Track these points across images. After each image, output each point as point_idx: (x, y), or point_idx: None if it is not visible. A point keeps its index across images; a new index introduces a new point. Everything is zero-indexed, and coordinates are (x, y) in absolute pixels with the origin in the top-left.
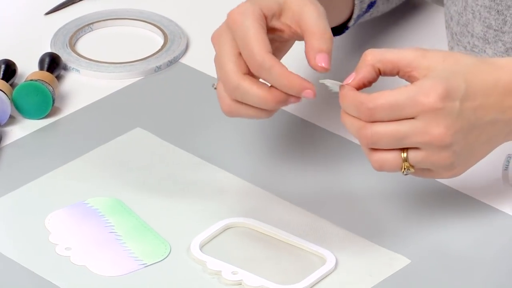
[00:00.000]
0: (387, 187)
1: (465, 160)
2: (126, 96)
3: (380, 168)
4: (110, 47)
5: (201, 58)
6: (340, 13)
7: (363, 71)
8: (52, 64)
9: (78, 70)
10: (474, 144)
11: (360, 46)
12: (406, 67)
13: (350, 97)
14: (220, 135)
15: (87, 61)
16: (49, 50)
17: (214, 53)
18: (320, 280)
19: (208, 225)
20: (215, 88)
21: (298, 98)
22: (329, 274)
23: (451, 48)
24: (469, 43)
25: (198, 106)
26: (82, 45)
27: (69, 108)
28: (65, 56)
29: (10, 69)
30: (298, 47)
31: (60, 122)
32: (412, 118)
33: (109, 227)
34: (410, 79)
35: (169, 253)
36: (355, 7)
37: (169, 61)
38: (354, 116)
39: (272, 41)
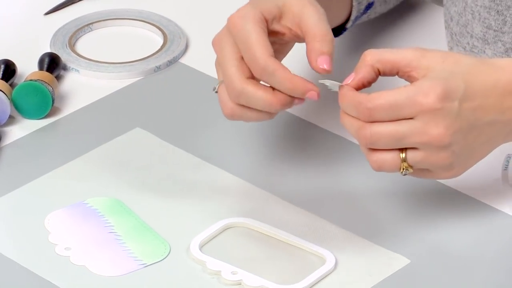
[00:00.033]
0: (386, 187)
1: (464, 160)
2: (125, 96)
3: (379, 168)
4: (109, 47)
5: (201, 58)
6: (338, 14)
7: (362, 71)
8: (52, 64)
9: (77, 70)
10: (473, 144)
11: (360, 46)
12: (406, 67)
13: (349, 97)
14: (220, 135)
15: (87, 61)
16: (48, 50)
17: (214, 53)
18: (320, 280)
19: (208, 225)
20: (216, 92)
21: (302, 99)
22: (329, 274)
23: (451, 49)
24: (468, 43)
25: (197, 106)
26: (82, 45)
27: (69, 108)
28: (65, 56)
29: (9, 69)
30: (297, 47)
31: (60, 122)
32: (411, 118)
33: (109, 227)
34: (410, 79)
35: (169, 253)
36: (353, 9)
37: (168, 61)
38: (353, 116)
39: (272, 43)
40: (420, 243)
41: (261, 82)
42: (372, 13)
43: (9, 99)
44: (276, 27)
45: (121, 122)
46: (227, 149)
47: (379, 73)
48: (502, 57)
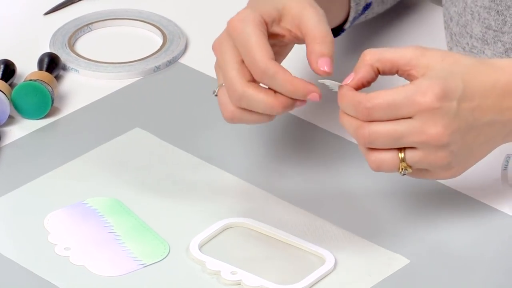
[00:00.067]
0: (386, 187)
1: (463, 160)
2: (125, 96)
3: (377, 168)
4: (109, 47)
5: (200, 58)
6: (336, 15)
7: (361, 71)
8: (51, 64)
9: (77, 70)
10: (472, 145)
11: (359, 46)
12: (405, 66)
13: (348, 97)
14: (219, 135)
15: (86, 61)
16: (48, 50)
17: (213, 52)
18: (319, 280)
19: (207, 225)
20: (216, 95)
21: (303, 101)
22: (328, 274)
23: (450, 49)
24: (468, 44)
25: (197, 106)
26: (81, 45)
27: (68, 108)
28: (64, 56)
29: (9, 69)
30: (296, 47)
31: (59, 122)
32: (410, 117)
33: (108, 227)
34: (409, 77)
35: (168, 253)
36: (351, 10)
37: (168, 61)
38: (352, 116)
39: (272, 46)
40: (420, 243)
41: (261, 84)
42: (370, 14)
43: (8, 99)
44: (276, 29)
45: (120, 122)
46: (227, 149)
47: (378, 73)
48: (501, 57)
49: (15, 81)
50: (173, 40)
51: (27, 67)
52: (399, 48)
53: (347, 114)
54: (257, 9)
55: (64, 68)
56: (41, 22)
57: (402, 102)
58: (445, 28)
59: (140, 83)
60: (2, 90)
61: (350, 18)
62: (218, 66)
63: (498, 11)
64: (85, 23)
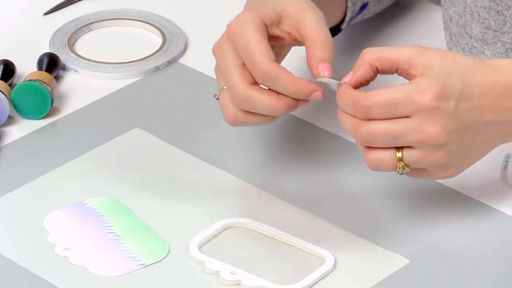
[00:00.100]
0: (386, 187)
1: (461, 160)
2: (124, 96)
3: (375, 167)
4: (108, 47)
5: (200, 58)
6: (333, 15)
7: (360, 70)
8: (51, 64)
9: (76, 70)
10: (470, 145)
11: (357, 46)
12: (404, 65)
13: (346, 95)
14: (219, 135)
15: (86, 61)
16: (47, 50)
17: (214, 56)
18: (319, 280)
19: (207, 225)
20: (217, 99)
21: (306, 101)
22: (328, 274)
23: (450, 49)
24: (467, 44)
25: (197, 106)
26: (81, 45)
27: (68, 109)
28: (64, 56)
29: (8, 69)
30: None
31: (59, 123)
32: (408, 116)
33: (108, 227)
34: (408, 76)
35: (168, 253)
36: (347, 10)
37: (167, 61)
38: (350, 114)
39: (272, 47)
40: (419, 243)
41: (261, 86)
42: (367, 14)
43: (8, 99)
44: (275, 31)
45: (120, 122)
46: (227, 149)
47: (377, 72)
48: (501, 57)
49: (14, 81)
50: (172, 40)
51: (26, 67)
52: (398, 47)
53: (345, 112)
54: (256, 11)
55: (64, 68)
56: (40, 22)
57: (400, 101)
58: (444, 28)
59: (140, 83)
60: (1, 90)
61: (347, 18)
62: (219, 70)
63: (498, 11)
64: (85, 23)
